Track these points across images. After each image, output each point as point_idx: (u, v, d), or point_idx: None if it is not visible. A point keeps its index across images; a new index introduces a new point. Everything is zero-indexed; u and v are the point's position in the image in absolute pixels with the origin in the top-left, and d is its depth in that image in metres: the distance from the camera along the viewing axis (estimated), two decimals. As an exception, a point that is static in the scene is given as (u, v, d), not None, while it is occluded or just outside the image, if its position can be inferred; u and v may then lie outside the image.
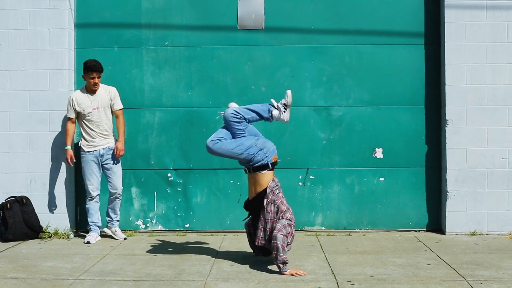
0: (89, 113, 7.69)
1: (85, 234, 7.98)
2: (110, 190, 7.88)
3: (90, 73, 7.62)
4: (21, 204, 7.87)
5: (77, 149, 7.99)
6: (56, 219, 8.13)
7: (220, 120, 8.19)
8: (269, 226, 6.19)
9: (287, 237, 6.06)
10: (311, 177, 8.28)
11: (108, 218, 7.99)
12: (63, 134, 8.02)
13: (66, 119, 7.83)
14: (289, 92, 6.66)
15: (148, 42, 8.35)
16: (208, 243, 7.55)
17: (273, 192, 6.26)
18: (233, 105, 6.85)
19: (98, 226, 7.90)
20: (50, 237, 7.93)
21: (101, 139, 7.78)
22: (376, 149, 8.25)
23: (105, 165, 7.83)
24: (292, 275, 5.95)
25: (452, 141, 7.97)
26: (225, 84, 8.32)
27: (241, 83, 8.27)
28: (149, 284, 5.75)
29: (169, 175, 8.35)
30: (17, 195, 8.00)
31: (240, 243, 7.57)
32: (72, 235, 8.01)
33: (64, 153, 7.90)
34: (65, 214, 8.17)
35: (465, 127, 7.96)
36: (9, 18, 8.12)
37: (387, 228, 8.27)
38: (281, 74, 8.30)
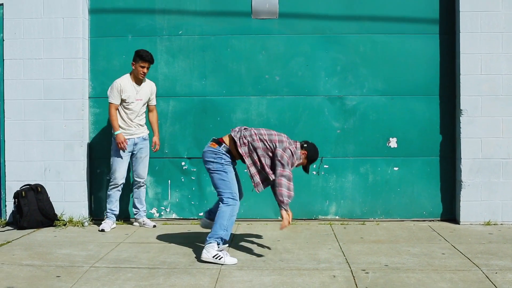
0: (131, 102, 7.67)
1: (100, 221, 8.01)
2: (136, 178, 7.89)
3: (141, 62, 7.60)
4: (36, 192, 7.91)
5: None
6: (71, 207, 8.17)
7: (233, 108, 8.21)
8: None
9: None
10: (325, 166, 8.27)
11: (135, 210, 8.02)
12: (77, 122, 8.07)
13: (109, 105, 7.66)
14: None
15: (162, 31, 8.35)
16: (222, 232, 7.56)
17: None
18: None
19: (115, 214, 7.90)
20: (64, 225, 7.97)
21: (136, 128, 7.76)
22: (390, 139, 8.23)
23: (136, 154, 7.82)
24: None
25: (467, 131, 7.93)
26: (239, 73, 8.31)
27: (255, 72, 8.27)
28: (163, 271, 5.77)
29: (183, 163, 8.37)
30: (32, 183, 8.05)
31: (254, 231, 7.58)
32: (86, 223, 8.05)
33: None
34: (80, 202, 8.20)
35: (480, 117, 7.91)
36: (24, 7, 8.13)
37: (401, 217, 8.26)
38: (295, 63, 8.28)
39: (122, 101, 7.65)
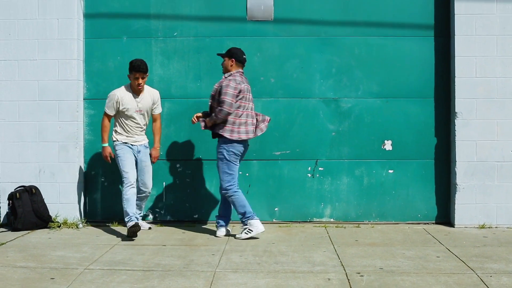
0: (132, 114, 7.53)
1: (95, 223, 7.98)
2: (141, 187, 7.72)
3: (134, 73, 7.39)
4: (30, 193, 7.88)
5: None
6: (65, 209, 8.14)
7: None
8: None
9: None
10: (320, 168, 8.27)
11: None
12: (72, 123, 8.06)
13: (103, 114, 7.58)
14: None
15: (157, 32, 8.34)
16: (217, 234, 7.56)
17: None
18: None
19: (137, 218, 7.46)
20: (59, 226, 7.95)
21: (138, 136, 7.65)
22: (385, 141, 8.24)
23: (140, 163, 7.67)
24: None
25: (462, 134, 7.95)
26: (234, 75, 8.30)
27: (250, 74, 8.23)
28: (158, 274, 5.76)
29: (178, 166, 8.35)
30: (26, 184, 8.02)
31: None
32: (81, 225, 8.03)
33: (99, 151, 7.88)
34: (74, 204, 8.18)
35: (475, 120, 7.92)
36: (18, 8, 8.11)
37: (396, 220, 8.26)
38: (290, 65, 8.29)
39: (121, 111, 7.53)
